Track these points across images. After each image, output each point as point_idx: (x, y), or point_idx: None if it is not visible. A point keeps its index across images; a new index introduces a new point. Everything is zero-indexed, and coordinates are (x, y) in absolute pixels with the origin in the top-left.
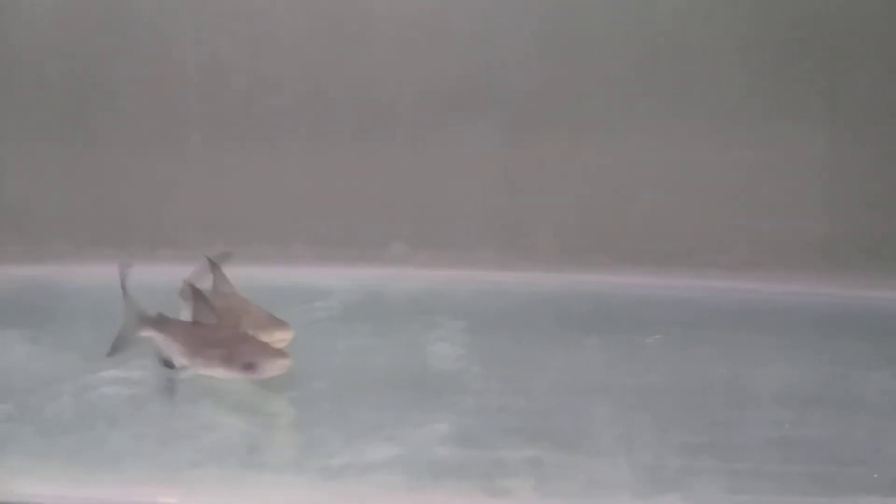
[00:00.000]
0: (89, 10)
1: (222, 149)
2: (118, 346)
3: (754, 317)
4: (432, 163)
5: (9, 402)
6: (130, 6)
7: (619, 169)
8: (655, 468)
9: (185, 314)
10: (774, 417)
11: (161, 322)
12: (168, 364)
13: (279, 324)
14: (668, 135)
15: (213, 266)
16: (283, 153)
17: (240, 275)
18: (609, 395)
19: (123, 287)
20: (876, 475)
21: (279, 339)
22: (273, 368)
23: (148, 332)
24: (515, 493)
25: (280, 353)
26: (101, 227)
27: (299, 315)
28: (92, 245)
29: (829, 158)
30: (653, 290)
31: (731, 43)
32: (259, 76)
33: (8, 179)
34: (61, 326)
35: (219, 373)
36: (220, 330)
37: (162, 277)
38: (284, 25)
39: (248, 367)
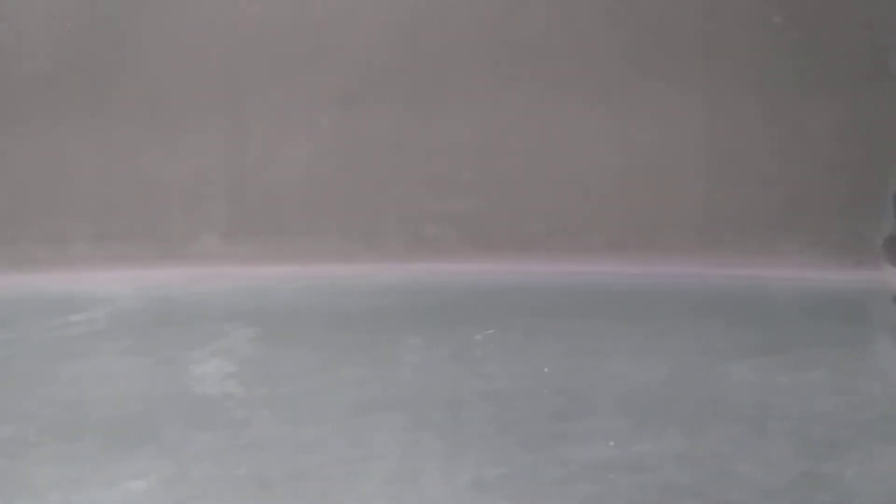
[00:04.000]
0: None
1: None
2: None
3: (616, 303)
4: (250, 140)
5: None
6: None
7: (473, 145)
8: None
9: None
10: (604, 431)
11: None
12: None
13: None
14: (525, 109)
15: None
16: (61, 136)
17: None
18: (400, 416)
19: None
20: None
21: None
22: None
23: None
24: None
25: None
26: None
27: (40, 334)
28: None
29: (699, 134)
30: (509, 276)
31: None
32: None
33: None
34: None
35: None
36: None
37: None
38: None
39: None
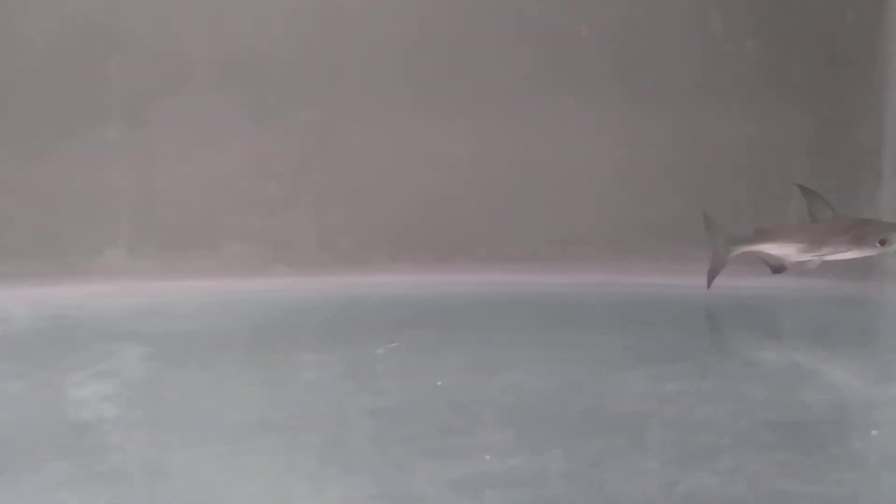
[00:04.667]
0: None
1: None
2: (714, 272)
3: (525, 313)
4: (155, 152)
5: None
6: None
7: (386, 157)
8: None
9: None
10: (483, 446)
11: (760, 234)
12: (778, 270)
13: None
14: (440, 124)
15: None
16: None
17: None
18: (279, 437)
19: (708, 220)
20: None
21: None
22: None
23: (742, 249)
24: None
25: None
26: None
27: None
28: None
29: (610, 145)
30: (423, 288)
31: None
32: None
33: None
34: None
35: (850, 254)
36: (835, 221)
37: None
38: None
39: (883, 242)
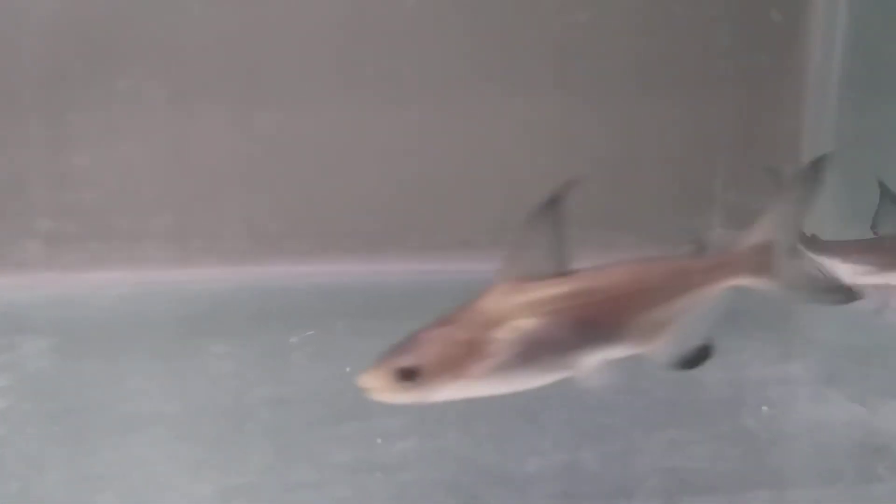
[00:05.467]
0: None
1: None
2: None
3: (455, 300)
4: (74, 138)
5: None
6: None
7: (314, 142)
8: None
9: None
10: (376, 431)
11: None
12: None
13: None
14: (374, 112)
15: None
16: None
17: None
18: (168, 427)
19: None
20: None
21: None
22: None
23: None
24: None
25: None
26: None
27: None
28: None
29: (543, 134)
30: (352, 277)
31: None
32: None
33: None
34: None
35: None
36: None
37: None
38: None
39: None
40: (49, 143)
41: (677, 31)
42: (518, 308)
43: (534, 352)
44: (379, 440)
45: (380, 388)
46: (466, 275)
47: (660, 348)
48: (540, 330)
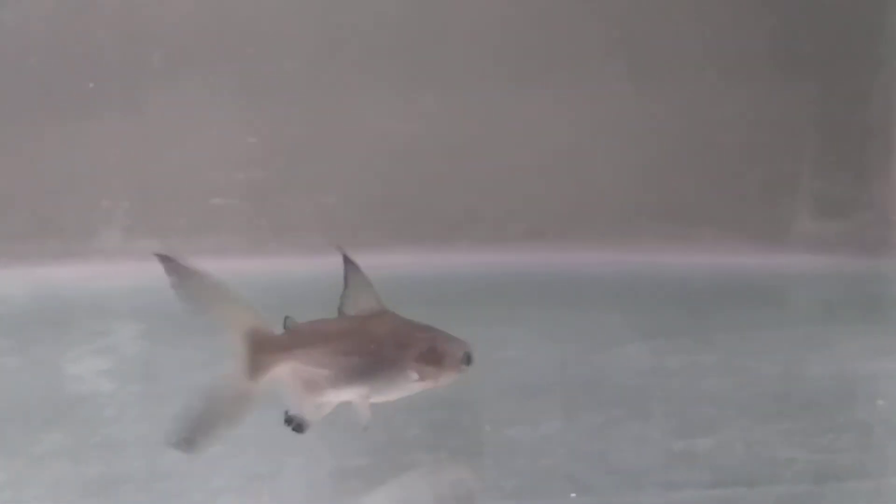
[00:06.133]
0: None
1: None
2: None
3: (530, 291)
4: (153, 131)
5: None
6: None
7: (384, 136)
8: None
9: None
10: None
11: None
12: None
13: None
14: (439, 103)
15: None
16: None
17: None
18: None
19: None
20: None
21: None
22: None
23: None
24: None
25: None
26: None
27: None
28: None
29: (616, 123)
30: (418, 268)
31: None
32: None
33: None
34: None
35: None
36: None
37: None
38: None
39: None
40: (127, 134)
41: (761, 17)
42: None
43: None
44: (488, 427)
45: None
46: (531, 265)
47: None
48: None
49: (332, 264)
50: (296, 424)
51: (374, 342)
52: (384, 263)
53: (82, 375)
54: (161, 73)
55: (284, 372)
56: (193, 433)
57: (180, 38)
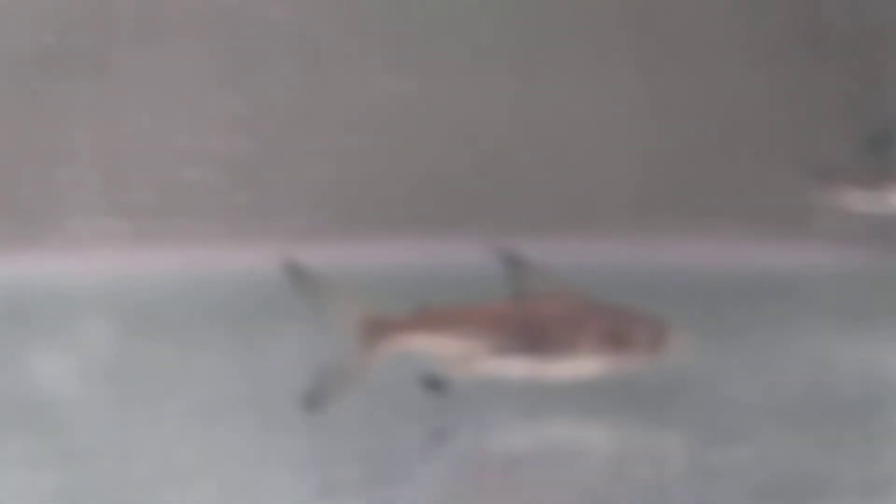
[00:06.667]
0: None
1: None
2: None
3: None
4: (123, 111)
5: None
6: None
7: (396, 117)
8: None
9: None
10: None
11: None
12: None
13: None
14: (452, 80)
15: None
16: None
17: None
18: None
19: None
20: None
21: None
22: None
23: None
24: None
25: None
26: None
27: None
28: None
29: (632, 110)
30: (425, 259)
31: None
32: None
33: None
34: None
35: None
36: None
37: None
38: None
39: None
40: (96, 114)
41: (782, 2)
42: None
43: None
44: (491, 432)
45: None
46: (539, 257)
47: None
48: None
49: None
50: (433, 383)
51: (539, 321)
52: (376, 252)
53: (49, 376)
54: (136, 34)
55: (400, 347)
56: (320, 396)
57: None
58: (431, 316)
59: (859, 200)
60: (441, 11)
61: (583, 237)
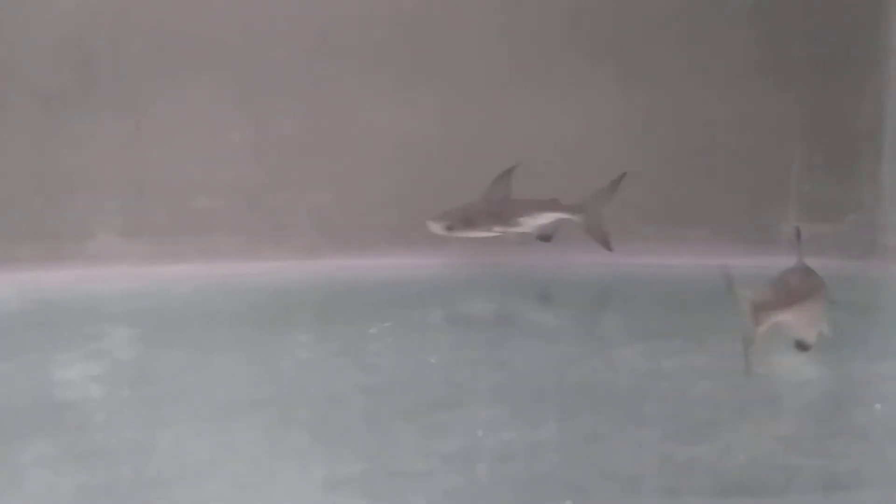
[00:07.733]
0: None
1: None
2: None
3: (522, 292)
4: (147, 135)
5: None
6: None
7: (384, 138)
8: None
9: None
10: (476, 421)
11: None
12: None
13: None
14: (436, 105)
15: None
16: None
17: None
18: (265, 414)
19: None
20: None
21: None
22: None
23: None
24: None
25: None
26: None
27: None
28: None
29: (607, 125)
30: (419, 270)
31: None
32: None
33: None
34: None
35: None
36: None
37: None
38: None
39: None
40: (121, 138)
41: (751, 21)
42: None
43: None
44: (480, 431)
45: None
46: (527, 268)
47: None
48: None
49: (326, 266)
50: (803, 346)
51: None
52: (377, 265)
53: (72, 381)
54: (154, 70)
55: (777, 320)
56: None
57: (170, 33)
58: (788, 299)
59: None
60: (436, 46)
61: (563, 248)
